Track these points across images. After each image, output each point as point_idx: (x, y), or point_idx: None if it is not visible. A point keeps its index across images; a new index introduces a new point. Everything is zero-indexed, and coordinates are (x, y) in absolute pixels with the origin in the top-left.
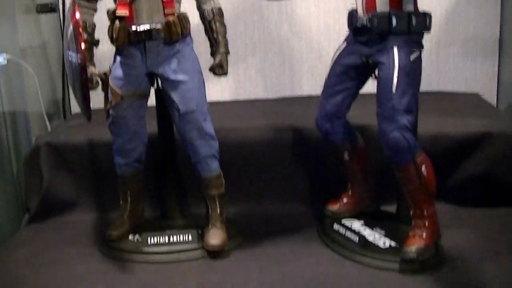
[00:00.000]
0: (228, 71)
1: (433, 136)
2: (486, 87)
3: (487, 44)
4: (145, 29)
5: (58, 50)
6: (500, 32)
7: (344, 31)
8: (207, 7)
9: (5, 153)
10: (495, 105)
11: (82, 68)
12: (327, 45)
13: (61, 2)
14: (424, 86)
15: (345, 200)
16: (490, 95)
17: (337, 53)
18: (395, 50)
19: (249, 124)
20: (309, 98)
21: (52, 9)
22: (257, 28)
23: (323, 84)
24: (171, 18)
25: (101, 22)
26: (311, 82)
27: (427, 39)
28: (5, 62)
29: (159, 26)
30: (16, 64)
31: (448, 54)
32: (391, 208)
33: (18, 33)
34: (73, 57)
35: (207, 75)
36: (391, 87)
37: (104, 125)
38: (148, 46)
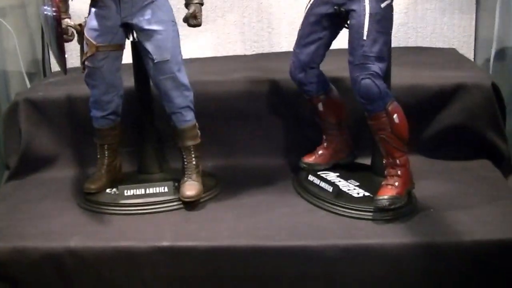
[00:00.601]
0: (207, 28)
1: (408, 87)
2: (463, 43)
3: (464, 0)
4: None
5: (37, 10)
6: None
7: None
8: None
9: None
10: (473, 60)
11: (57, 20)
12: (306, 1)
13: None
14: (401, 42)
15: (320, 152)
16: (467, 50)
17: (310, 3)
18: None
19: (226, 78)
20: (287, 54)
21: None
22: None
23: None
24: None
25: None
26: (289, 38)
27: None
28: None
29: None
30: None
31: (425, 9)
32: (368, 162)
33: None
34: (48, 10)
35: (185, 33)
36: (362, 34)
37: (82, 81)
38: None
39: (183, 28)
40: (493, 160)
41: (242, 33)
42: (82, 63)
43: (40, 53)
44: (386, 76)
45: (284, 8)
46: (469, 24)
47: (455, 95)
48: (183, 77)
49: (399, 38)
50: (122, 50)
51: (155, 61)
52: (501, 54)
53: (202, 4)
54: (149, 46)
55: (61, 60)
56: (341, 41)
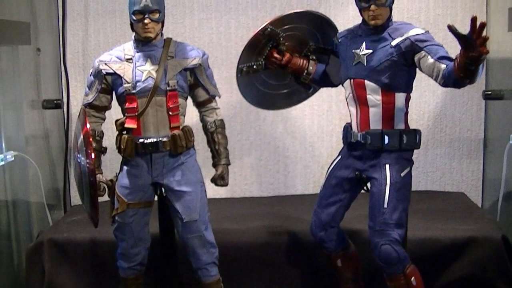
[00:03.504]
0: None
1: (422, 240)
2: (471, 186)
3: (472, 145)
4: (152, 142)
5: (60, 143)
6: (484, 133)
7: (337, 132)
8: (209, 119)
9: (6, 244)
10: (480, 203)
11: (92, 182)
12: (320, 146)
13: (66, 99)
14: (412, 186)
15: None
16: (475, 194)
17: (332, 165)
18: (387, 167)
19: (245, 226)
20: (301, 197)
21: (57, 105)
22: (254, 128)
23: (315, 183)
24: (176, 132)
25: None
26: (304, 181)
27: None
28: (13, 158)
29: (165, 139)
30: (21, 158)
31: (435, 155)
32: None
33: (24, 128)
34: (83, 161)
35: (203, 174)
36: (383, 202)
37: (105, 222)
38: (154, 157)
39: (202, 169)
40: None
41: (259, 175)
42: (112, 217)
43: (61, 183)
44: (403, 239)
45: (299, 152)
46: (477, 169)
47: (466, 248)
48: (210, 235)
49: None
50: (151, 206)
51: (184, 220)
52: (508, 196)
53: (229, 164)
54: (178, 206)
55: (93, 213)
56: None
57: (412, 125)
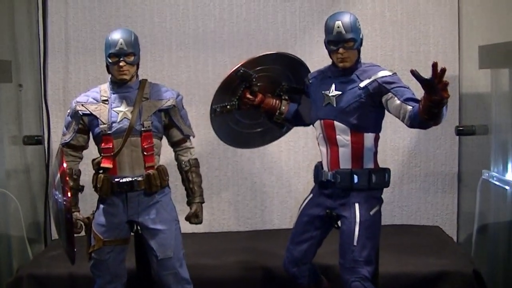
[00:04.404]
0: (203, 205)
1: (394, 275)
2: (446, 220)
3: (447, 180)
4: (127, 181)
5: (41, 178)
6: (458, 168)
7: (312, 168)
8: (184, 158)
9: None
10: (456, 237)
11: (68, 220)
12: (297, 181)
13: (47, 134)
14: (387, 220)
15: None
16: (450, 227)
17: (304, 204)
18: (357, 206)
19: (222, 262)
20: (278, 232)
21: (38, 141)
22: (231, 164)
23: (291, 217)
24: (151, 171)
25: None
26: (281, 216)
27: (391, 176)
28: None
29: (140, 178)
30: (1, 193)
31: (410, 189)
32: None
33: (5, 163)
34: (60, 198)
35: (182, 209)
36: (353, 240)
37: (83, 257)
38: (130, 196)
39: (180, 204)
40: None
41: (236, 210)
42: (89, 254)
43: (41, 216)
44: (373, 276)
45: (276, 187)
46: (451, 202)
47: (438, 283)
48: (184, 272)
49: (385, 216)
50: (127, 243)
51: (159, 258)
52: (483, 230)
53: (203, 202)
54: (153, 244)
55: (70, 250)
56: None
57: (387, 160)
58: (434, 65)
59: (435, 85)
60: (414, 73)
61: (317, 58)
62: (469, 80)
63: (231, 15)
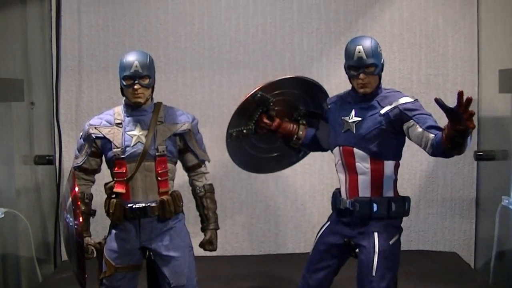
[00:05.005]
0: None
1: None
2: (464, 246)
3: (464, 205)
4: (140, 207)
5: (52, 197)
6: (477, 193)
7: (328, 192)
8: (199, 183)
9: None
10: (473, 263)
11: (79, 244)
12: (311, 205)
13: (59, 153)
14: (404, 245)
15: None
16: (468, 253)
17: (321, 231)
18: (376, 235)
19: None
20: (292, 256)
21: (49, 161)
22: (245, 186)
23: (306, 242)
24: (165, 197)
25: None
26: (295, 240)
27: None
28: (3, 215)
29: (153, 204)
30: (11, 214)
31: (427, 214)
32: None
33: (15, 183)
34: (71, 222)
35: (195, 231)
36: (371, 270)
37: (93, 280)
38: (143, 222)
39: (193, 226)
40: None
41: (250, 234)
42: (100, 280)
43: (51, 237)
44: None
45: (291, 211)
46: (469, 228)
47: None
48: None
49: (401, 241)
50: (139, 270)
51: (172, 285)
52: (501, 256)
53: (217, 229)
54: (166, 271)
55: (80, 274)
56: None
57: (404, 185)
58: (460, 94)
59: (460, 114)
60: (438, 102)
61: (334, 81)
62: (488, 104)
63: (247, 36)
